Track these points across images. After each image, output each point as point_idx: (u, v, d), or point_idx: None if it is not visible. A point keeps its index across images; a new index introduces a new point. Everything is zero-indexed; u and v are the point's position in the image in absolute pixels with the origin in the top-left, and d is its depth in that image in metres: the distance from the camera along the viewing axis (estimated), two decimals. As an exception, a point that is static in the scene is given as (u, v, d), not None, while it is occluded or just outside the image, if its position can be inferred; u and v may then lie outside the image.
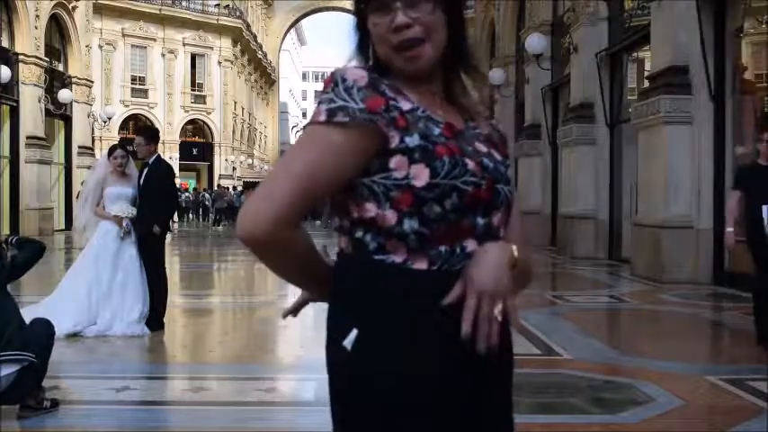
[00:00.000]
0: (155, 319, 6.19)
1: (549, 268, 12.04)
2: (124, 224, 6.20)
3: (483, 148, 1.26)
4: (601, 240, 13.00)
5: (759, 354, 5.35)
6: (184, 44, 42.48)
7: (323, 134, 1.16)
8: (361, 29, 1.28)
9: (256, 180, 43.95)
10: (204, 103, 43.83)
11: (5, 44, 18.81)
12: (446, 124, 1.23)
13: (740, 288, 8.45)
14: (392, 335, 1.16)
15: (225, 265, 14.25)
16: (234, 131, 46.19)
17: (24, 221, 18.43)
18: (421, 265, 1.18)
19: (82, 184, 18.81)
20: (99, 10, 32.66)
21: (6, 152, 18.86)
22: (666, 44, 9.76)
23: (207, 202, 34.48)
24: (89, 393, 4.36)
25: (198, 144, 44.14)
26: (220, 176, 42.68)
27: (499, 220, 1.25)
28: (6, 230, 16.83)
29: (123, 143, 6.74)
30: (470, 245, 1.20)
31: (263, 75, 56.54)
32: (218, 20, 43.40)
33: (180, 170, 40.31)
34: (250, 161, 51.31)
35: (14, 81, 18.52)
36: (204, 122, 44.12)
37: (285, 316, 1.41)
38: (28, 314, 4.15)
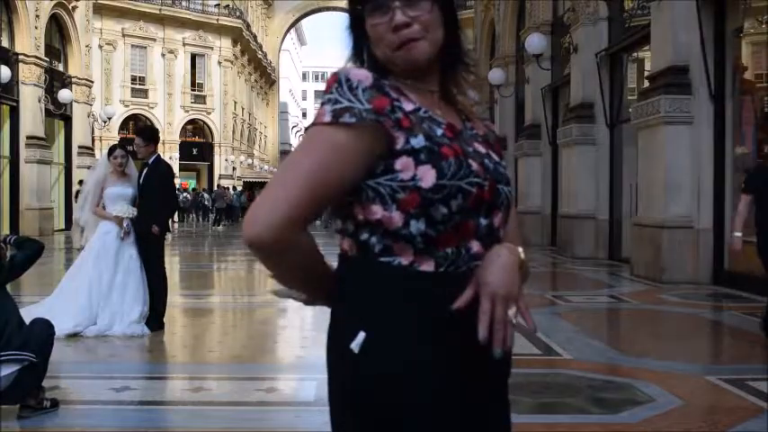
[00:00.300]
0: (155, 319, 6.19)
1: (549, 268, 12.04)
2: (125, 224, 6.21)
3: (482, 148, 1.27)
4: (601, 240, 13.00)
5: (759, 354, 5.35)
6: (184, 44, 42.49)
7: (328, 135, 1.15)
8: (357, 31, 1.28)
9: (256, 180, 44.05)
10: (204, 103, 43.84)
11: (5, 44, 18.81)
12: (447, 125, 1.23)
13: (740, 288, 8.47)
14: (401, 337, 1.16)
15: (225, 265, 14.25)
16: (234, 131, 46.19)
17: (24, 221, 18.43)
18: (428, 267, 1.17)
19: (80, 183, 18.84)
20: (99, 10, 32.68)
21: (6, 152, 18.86)
22: (666, 44, 9.76)
23: (206, 203, 34.46)
24: (89, 393, 4.36)
25: (198, 144, 44.14)
26: (220, 176, 42.68)
27: (500, 220, 1.25)
28: (6, 230, 16.82)
29: (123, 143, 6.75)
30: (475, 246, 1.20)
31: (263, 75, 56.54)
32: (218, 20, 43.41)
33: (180, 170, 40.38)
34: (250, 161, 51.31)
35: (14, 81, 18.53)
36: (204, 122, 44.12)
37: (274, 293, 1.36)
38: (28, 314, 4.16)
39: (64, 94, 21.09)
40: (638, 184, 10.77)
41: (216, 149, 44.08)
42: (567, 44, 14.36)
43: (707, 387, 4.38)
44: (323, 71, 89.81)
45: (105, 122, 29.05)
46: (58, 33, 22.35)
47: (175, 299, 7.76)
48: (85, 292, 6.04)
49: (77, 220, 6.70)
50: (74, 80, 22.72)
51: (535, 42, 14.64)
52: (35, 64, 19.41)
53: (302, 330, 6.56)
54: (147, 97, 41.53)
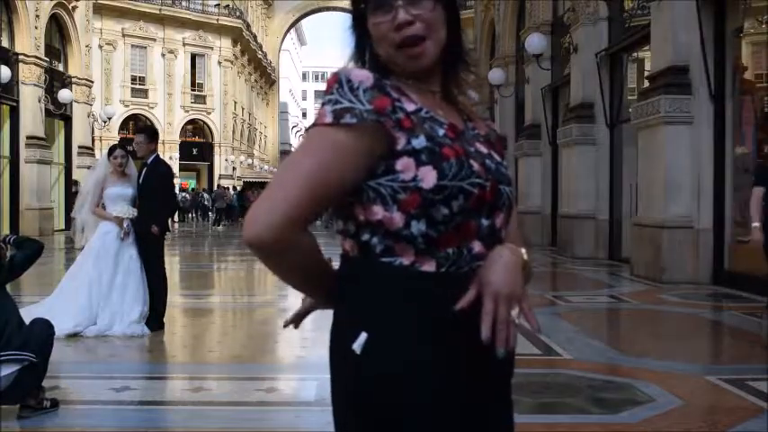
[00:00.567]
0: (155, 319, 6.19)
1: (549, 268, 12.04)
2: (125, 225, 6.20)
3: (483, 148, 1.27)
4: (601, 240, 13.00)
5: (759, 354, 5.35)
6: (184, 44, 42.49)
7: (329, 136, 1.14)
8: (359, 30, 1.28)
9: (256, 180, 44.03)
10: (204, 103, 43.85)
11: (5, 44, 18.81)
12: (449, 125, 1.23)
13: (740, 288, 8.46)
14: (401, 337, 1.16)
15: (225, 265, 14.25)
16: (234, 131, 46.20)
17: (24, 221, 18.43)
18: (429, 267, 1.17)
19: (75, 184, 18.82)
20: (99, 10, 32.68)
21: (6, 152, 18.86)
22: (666, 44, 9.75)
23: (206, 203, 34.46)
24: (89, 393, 4.36)
25: (198, 144, 44.15)
26: (220, 176, 42.68)
27: (501, 220, 1.25)
28: (6, 230, 16.82)
29: (123, 143, 6.75)
30: (476, 246, 1.20)
31: (263, 75, 56.54)
32: (218, 20, 43.42)
33: (180, 170, 40.39)
34: (250, 161, 51.31)
35: (14, 81, 18.53)
36: (204, 122, 44.12)
37: (286, 325, 1.40)
38: (28, 314, 4.16)
39: (64, 94, 21.09)
40: (638, 184, 10.77)
41: (216, 149, 44.09)
42: (567, 44, 14.35)
43: (707, 387, 4.37)
44: (323, 71, 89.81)
45: (105, 122, 29.06)
46: (58, 33, 22.34)
47: (175, 299, 7.76)
48: (85, 292, 6.04)
49: (78, 220, 6.69)
50: (74, 80, 22.72)
51: (535, 42, 14.63)
52: (35, 64, 19.40)
53: (302, 330, 6.53)
54: (147, 97, 41.53)
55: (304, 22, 66.27)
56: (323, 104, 1.18)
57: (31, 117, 19.32)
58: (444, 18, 1.25)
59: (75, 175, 21.57)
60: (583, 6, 13.32)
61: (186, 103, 42.91)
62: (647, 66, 11.53)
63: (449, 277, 1.18)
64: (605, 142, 13.04)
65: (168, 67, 41.95)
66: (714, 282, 9.16)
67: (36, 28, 19.52)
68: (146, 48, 41.44)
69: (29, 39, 19.17)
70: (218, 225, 29.00)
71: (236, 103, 46.57)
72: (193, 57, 43.45)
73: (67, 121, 22.67)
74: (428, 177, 1.15)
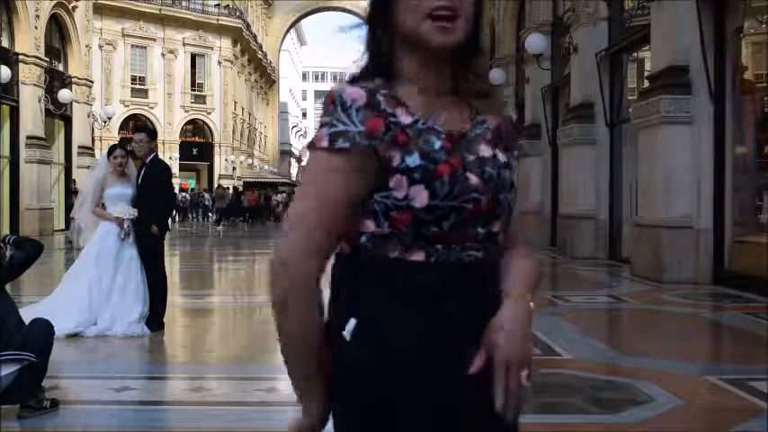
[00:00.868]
0: (155, 319, 6.19)
1: (549, 268, 12.04)
2: (125, 225, 6.19)
3: (487, 150, 1.25)
4: (601, 240, 13.00)
5: (759, 354, 5.34)
6: (184, 44, 42.51)
7: (326, 161, 1.18)
8: (379, 16, 1.26)
9: (256, 180, 44.06)
10: (204, 103, 43.87)
11: (5, 44, 18.80)
12: (448, 135, 1.22)
13: (740, 288, 8.46)
14: (389, 323, 1.18)
15: (225, 266, 14.25)
16: (234, 131, 46.21)
17: (24, 221, 18.42)
18: (418, 257, 1.19)
19: (74, 183, 18.75)
20: (99, 10, 32.67)
21: (6, 152, 18.85)
22: (666, 44, 9.75)
23: (207, 203, 34.47)
24: (89, 393, 4.36)
25: (198, 144, 44.17)
26: (220, 176, 42.70)
27: (500, 226, 1.26)
28: (6, 230, 16.82)
29: (123, 143, 6.74)
30: (472, 245, 1.22)
31: (263, 75, 56.55)
32: (218, 20, 43.44)
33: (180, 170, 40.44)
34: (250, 161, 51.31)
35: (14, 81, 18.51)
36: (204, 122, 44.14)
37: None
38: (28, 314, 4.15)
39: (64, 94, 21.08)
40: (638, 184, 10.77)
41: (216, 149, 44.11)
42: (567, 44, 14.35)
43: (707, 387, 4.37)
44: (323, 71, 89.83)
45: (105, 122, 29.05)
46: (58, 33, 22.33)
47: (175, 299, 7.76)
48: (86, 292, 6.04)
49: (76, 220, 6.69)
50: (74, 80, 22.71)
51: (535, 42, 14.63)
52: (35, 64, 19.39)
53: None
54: (147, 97, 41.55)
55: (304, 22, 66.31)
56: (321, 125, 1.20)
57: (31, 117, 19.31)
58: (473, 10, 1.24)
59: (75, 175, 21.57)
60: (583, 6, 13.32)
61: (186, 103, 42.93)
62: (647, 66, 11.53)
63: (438, 266, 1.19)
64: (605, 142, 13.04)
65: (168, 67, 41.97)
66: (714, 282, 9.15)
67: (36, 28, 19.52)
68: (146, 48, 41.46)
69: (29, 39, 19.17)
70: (219, 225, 29.01)
71: (236, 103, 46.58)
72: (193, 57, 43.48)
73: (67, 121, 22.66)
74: (420, 197, 1.17)
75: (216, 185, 38.29)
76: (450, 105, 1.27)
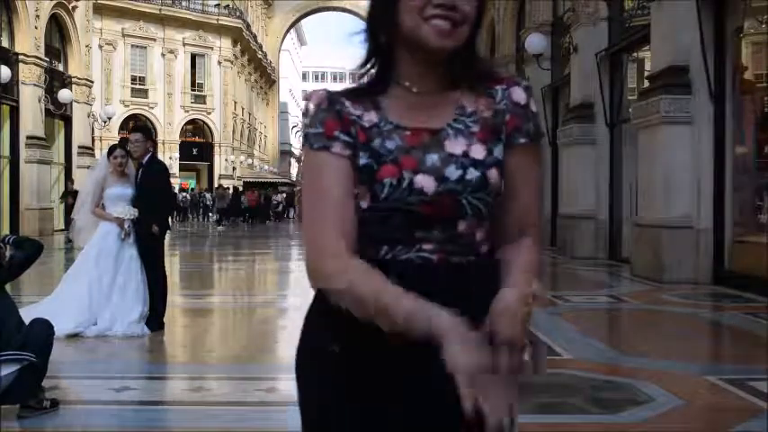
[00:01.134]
0: (155, 319, 6.19)
1: (549, 268, 12.03)
2: (126, 226, 6.19)
3: (459, 147, 1.21)
4: (601, 240, 13.00)
5: (759, 354, 5.34)
6: (184, 44, 42.51)
7: (309, 159, 1.23)
8: (383, 15, 1.25)
9: (256, 180, 44.07)
10: (204, 103, 43.86)
11: (5, 44, 18.80)
12: (414, 132, 1.22)
13: (740, 288, 8.46)
14: (318, 312, 1.26)
15: (225, 266, 14.26)
16: (234, 131, 46.21)
17: (24, 221, 18.42)
18: (368, 256, 1.19)
19: (68, 184, 18.67)
20: (99, 10, 32.67)
21: (6, 152, 18.85)
22: (666, 44, 9.75)
23: (208, 203, 34.47)
24: (89, 393, 4.36)
25: (198, 144, 44.17)
26: (220, 176, 42.69)
27: (470, 226, 1.21)
28: (6, 230, 16.82)
29: (123, 143, 6.73)
30: (426, 246, 1.20)
31: (263, 75, 56.55)
32: (218, 20, 43.43)
33: (180, 170, 40.44)
34: (250, 161, 51.32)
35: (14, 81, 18.51)
36: (204, 122, 44.14)
37: None
38: (28, 314, 4.15)
39: (64, 94, 21.08)
40: (638, 184, 10.77)
41: (216, 149, 44.11)
42: (567, 44, 14.35)
43: (707, 387, 4.37)
44: (323, 71, 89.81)
45: (105, 122, 29.04)
46: (58, 33, 22.33)
47: (175, 299, 7.76)
48: (86, 293, 6.03)
49: (75, 221, 6.68)
50: (74, 80, 22.70)
51: (535, 42, 14.63)
52: (35, 64, 19.39)
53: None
54: (147, 97, 41.55)
55: (304, 22, 66.30)
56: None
57: (31, 117, 19.31)
58: (476, 14, 1.23)
59: (76, 174, 21.56)
60: (583, 6, 13.32)
61: (186, 103, 42.93)
62: (647, 66, 11.53)
63: (382, 266, 1.18)
64: (605, 142, 13.04)
65: (168, 67, 41.97)
66: (714, 282, 9.15)
67: (36, 28, 19.51)
68: (146, 48, 41.46)
69: (29, 39, 19.17)
70: (220, 225, 29.01)
71: (236, 103, 46.58)
72: (193, 57, 43.47)
73: (67, 121, 22.66)
74: (364, 197, 1.19)
75: (216, 185, 38.31)
76: (436, 103, 1.25)
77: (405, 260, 1.19)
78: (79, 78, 23.01)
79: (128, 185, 6.34)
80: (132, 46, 41.04)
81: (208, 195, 35.10)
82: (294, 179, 55.55)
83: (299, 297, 7.78)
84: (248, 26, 47.47)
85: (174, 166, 37.34)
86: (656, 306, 7.78)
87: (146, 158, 6.39)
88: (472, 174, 1.20)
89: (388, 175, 1.18)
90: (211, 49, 43.81)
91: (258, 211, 33.26)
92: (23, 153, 18.93)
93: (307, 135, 1.22)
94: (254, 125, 54.08)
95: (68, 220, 16.46)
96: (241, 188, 35.90)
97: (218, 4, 43.82)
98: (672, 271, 9.29)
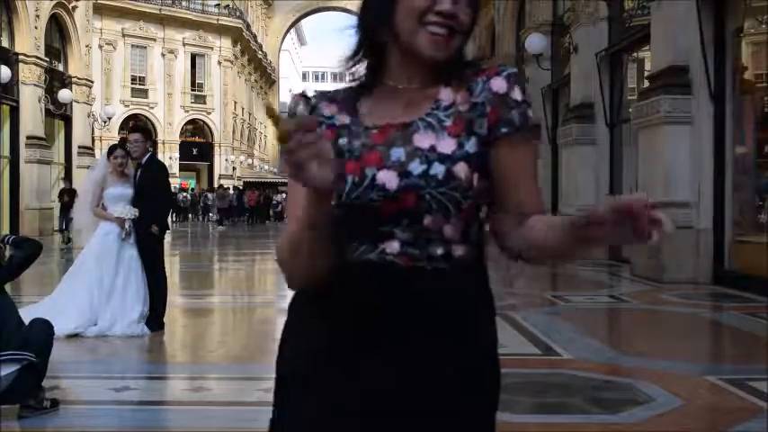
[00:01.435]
0: (155, 319, 6.18)
1: (549, 268, 12.02)
2: (126, 226, 6.18)
3: (427, 143, 1.19)
4: (600, 240, 12.98)
5: (759, 354, 5.34)
6: (184, 44, 42.50)
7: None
8: (380, 12, 1.24)
9: (256, 180, 44.05)
10: (204, 103, 43.85)
11: (5, 44, 18.80)
12: (381, 129, 1.22)
13: (740, 288, 8.46)
14: (293, 312, 1.32)
15: (225, 266, 14.26)
16: (234, 131, 46.20)
17: (24, 221, 18.42)
18: None
19: (64, 183, 18.65)
20: (99, 10, 32.65)
21: (6, 152, 18.85)
22: (666, 44, 9.75)
23: (209, 203, 34.50)
24: (89, 393, 4.36)
25: (198, 144, 44.16)
26: (220, 176, 42.68)
27: (435, 222, 1.18)
28: (6, 230, 16.82)
29: (123, 143, 6.73)
30: (393, 246, 1.19)
31: (263, 75, 56.54)
32: (218, 20, 43.42)
33: (180, 170, 40.42)
34: (250, 161, 51.31)
35: (14, 81, 18.51)
36: (204, 122, 44.12)
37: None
38: (28, 314, 4.15)
39: (64, 94, 21.08)
40: (638, 184, 10.76)
41: (216, 149, 44.10)
42: (567, 44, 14.35)
43: (707, 387, 4.37)
44: (323, 71, 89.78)
45: (105, 122, 29.05)
46: (57, 33, 22.33)
47: (175, 299, 7.75)
48: (86, 293, 6.02)
49: (75, 221, 6.68)
50: (74, 80, 22.70)
51: (535, 42, 14.63)
52: (35, 64, 19.39)
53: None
54: (147, 97, 41.53)
55: (304, 22, 66.30)
56: None
57: (31, 117, 19.31)
58: (470, 24, 1.24)
59: (76, 174, 21.55)
60: (583, 6, 13.32)
61: (186, 103, 42.91)
62: (647, 66, 11.53)
63: (349, 264, 1.19)
64: (605, 142, 13.04)
65: (168, 67, 41.95)
66: (714, 282, 9.15)
67: (36, 28, 19.51)
68: (146, 48, 41.45)
69: (29, 39, 19.16)
70: (220, 225, 29.03)
71: (236, 103, 46.57)
72: (193, 57, 43.46)
73: (67, 121, 22.66)
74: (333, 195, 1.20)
75: (217, 185, 38.32)
76: (416, 98, 1.24)
77: (367, 261, 1.19)
78: (79, 78, 23.01)
79: (127, 185, 6.33)
80: (132, 46, 41.03)
81: (210, 195, 35.13)
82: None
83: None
84: (248, 26, 47.46)
85: (174, 166, 37.35)
86: (656, 306, 7.78)
87: (145, 158, 6.39)
88: (437, 168, 1.17)
89: (350, 172, 1.18)
90: (211, 49, 43.80)
91: (258, 210, 33.30)
92: (23, 153, 18.93)
93: None
94: (254, 125, 54.07)
95: (64, 219, 16.52)
96: (241, 188, 35.92)
97: (218, 4, 43.81)
98: (672, 271, 9.29)
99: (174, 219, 30.37)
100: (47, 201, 19.83)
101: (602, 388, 4.28)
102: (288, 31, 60.27)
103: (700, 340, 6.35)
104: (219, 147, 44.08)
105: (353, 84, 1.30)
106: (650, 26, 10.37)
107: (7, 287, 3.98)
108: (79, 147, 22.97)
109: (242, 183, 41.06)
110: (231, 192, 32.89)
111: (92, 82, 25.00)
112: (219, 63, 44.18)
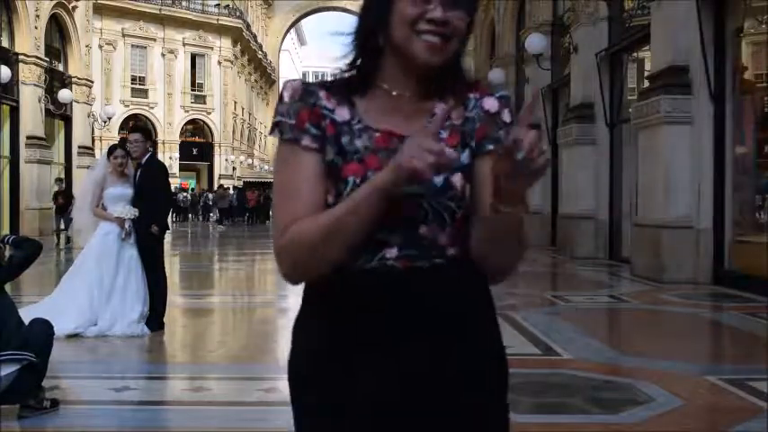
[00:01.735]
0: (155, 319, 6.18)
1: (549, 268, 12.03)
2: (126, 225, 6.18)
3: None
4: (601, 240, 13.00)
5: (759, 354, 5.34)
6: (184, 44, 42.50)
7: (279, 149, 1.26)
8: (380, 6, 1.24)
9: (256, 180, 44.04)
10: (204, 103, 43.85)
11: (5, 44, 18.80)
12: (383, 134, 1.22)
13: (740, 288, 8.46)
14: (307, 317, 1.30)
15: (225, 265, 14.26)
16: (234, 131, 46.20)
17: (24, 221, 18.42)
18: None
19: (58, 185, 18.65)
20: (99, 10, 32.66)
21: (6, 152, 18.85)
22: (666, 44, 9.75)
23: (209, 203, 34.51)
24: (89, 393, 4.36)
25: (198, 144, 44.16)
26: (220, 176, 42.69)
27: (431, 230, 1.20)
28: (6, 230, 16.82)
29: (123, 143, 6.73)
30: (389, 252, 1.20)
31: (263, 75, 56.55)
32: (218, 20, 43.42)
33: (180, 170, 40.42)
34: (250, 161, 51.32)
35: (14, 81, 18.51)
36: (204, 122, 44.12)
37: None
38: (28, 314, 4.15)
39: (64, 94, 21.08)
40: (638, 184, 10.77)
41: (216, 149, 44.10)
42: (567, 44, 14.35)
43: (707, 387, 4.37)
44: (323, 71, 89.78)
45: (105, 122, 29.05)
46: (57, 33, 22.33)
47: (175, 299, 7.76)
48: (86, 293, 6.02)
49: (74, 221, 6.68)
50: (74, 80, 22.71)
51: (535, 42, 14.63)
52: (35, 64, 19.39)
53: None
54: (147, 97, 41.54)
55: (304, 22, 66.29)
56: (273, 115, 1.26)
57: (31, 117, 19.31)
58: (466, 30, 1.23)
59: (76, 174, 21.55)
60: (583, 6, 13.32)
61: (186, 103, 42.91)
62: (647, 66, 11.53)
63: (347, 275, 1.19)
64: (605, 142, 13.04)
65: (168, 67, 41.95)
66: (714, 282, 9.15)
67: (36, 28, 19.51)
68: (146, 48, 41.45)
69: (29, 39, 19.16)
70: (221, 225, 29.03)
71: (236, 103, 46.57)
72: (193, 57, 43.46)
73: (67, 121, 22.67)
74: (331, 192, 1.20)
75: (217, 185, 38.31)
76: (411, 109, 1.25)
77: (369, 270, 1.19)
78: (79, 78, 23.02)
79: (127, 185, 6.33)
80: (132, 46, 41.03)
81: (211, 195, 35.15)
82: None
83: (298, 297, 7.75)
84: (248, 26, 47.46)
85: (174, 166, 37.35)
86: (656, 306, 7.78)
87: (145, 158, 6.39)
88: (436, 178, 1.19)
89: (352, 173, 1.19)
90: (211, 49, 43.80)
91: (258, 210, 33.31)
92: (23, 153, 18.94)
93: (279, 123, 1.23)
94: (254, 125, 54.07)
95: (59, 221, 16.51)
96: (241, 188, 35.92)
97: (218, 4, 43.81)
98: (672, 271, 9.29)
99: (174, 219, 30.39)
100: (47, 201, 19.79)
101: (602, 388, 4.28)
102: (288, 31, 60.27)
103: (700, 340, 6.35)
104: (219, 147, 44.08)
105: (343, 77, 1.28)
106: (650, 26, 10.37)
107: (7, 287, 3.98)
108: (79, 147, 22.97)
109: (242, 183, 41.06)
110: (231, 192, 32.90)
111: (92, 82, 25.00)
112: (219, 63, 44.18)
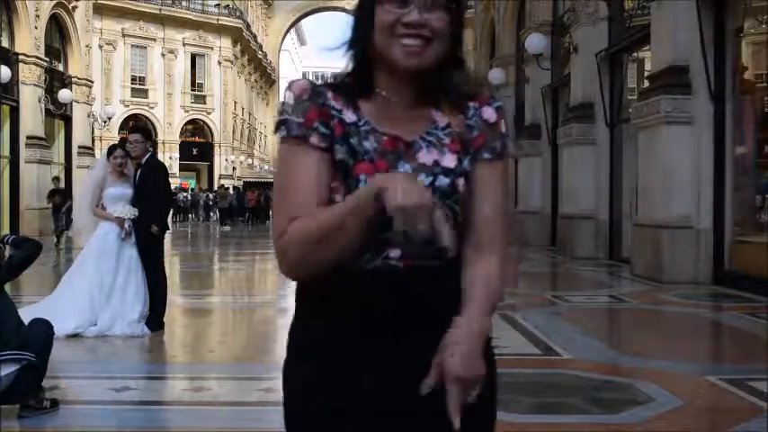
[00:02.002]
0: (155, 319, 6.18)
1: (549, 268, 12.04)
2: (126, 225, 6.18)
3: (430, 159, 1.24)
4: (601, 240, 13.00)
5: (759, 354, 5.34)
6: (184, 44, 42.50)
7: (284, 147, 1.25)
8: (364, 17, 1.26)
9: (256, 180, 44.05)
10: (204, 103, 43.85)
11: (5, 44, 18.80)
12: (391, 139, 1.23)
13: (740, 288, 8.46)
14: (302, 322, 1.29)
15: (225, 265, 14.25)
16: (234, 131, 46.20)
17: (24, 221, 18.42)
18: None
19: (55, 184, 18.65)
20: (99, 10, 32.66)
21: (6, 152, 18.85)
22: (666, 44, 9.75)
23: (209, 202, 34.50)
24: (89, 393, 4.36)
25: (198, 144, 44.16)
26: (220, 176, 42.70)
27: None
28: (6, 230, 16.82)
29: (123, 143, 6.73)
30: (393, 252, 1.20)
31: (263, 75, 56.54)
32: (218, 20, 43.42)
33: (180, 170, 40.42)
34: (250, 161, 51.31)
35: (14, 81, 18.51)
36: (204, 122, 44.12)
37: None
38: (28, 314, 4.15)
39: (64, 94, 21.09)
40: (637, 183, 10.77)
41: (216, 149, 44.10)
42: (566, 44, 14.35)
43: (707, 387, 4.37)
44: (323, 71, 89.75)
45: (105, 122, 29.06)
46: (57, 33, 22.33)
47: (175, 299, 7.76)
48: (86, 293, 6.02)
49: (75, 221, 6.68)
50: (74, 80, 22.71)
51: (535, 42, 14.63)
52: (35, 64, 19.39)
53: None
54: (147, 97, 41.54)
55: (304, 22, 66.27)
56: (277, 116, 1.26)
57: (31, 117, 19.31)
58: (449, 31, 1.23)
59: (76, 174, 21.54)
60: (583, 6, 13.32)
61: (186, 103, 42.91)
62: (647, 66, 11.53)
63: (350, 273, 1.19)
64: (605, 142, 13.04)
65: (168, 67, 41.95)
66: (714, 282, 9.15)
67: (36, 28, 19.51)
68: (146, 48, 41.45)
69: (29, 39, 19.17)
70: (224, 225, 29.02)
71: (236, 103, 46.57)
72: (193, 57, 43.46)
73: (67, 121, 22.67)
74: (339, 191, 1.21)
75: (217, 186, 38.30)
76: (411, 116, 1.27)
77: (372, 269, 1.20)
78: (79, 78, 23.02)
79: (127, 185, 6.33)
80: (132, 46, 41.03)
81: (211, 196, 35.16)
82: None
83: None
84: (248, 26, 47.46)
85: (174, 166, 37.35)
86: (656, 306, 7.78)
87: (145, 158, 6.39)
88: (442, 181, 1.23)
89: (364, 172, 1.20)
90: (211, 49, 43.80)
91: (258, 210, 33.32)
92: (23, 153, 18.94)
93: (286, 122, 1.23)
94: (254, 125, 54.08)
95: (55, 220, 16.49)
96: (241, 188, 35.92)
97: (218, 4, 43.81)
98: (672, 271, 9.29)
99: (175, 219, 30.39)
100: (47, 201, 19.82)
101: (602, 388, 4.28)
102: (288, 31, 60.25)
103: (700, 340, 6.35)
104: (219, 147, 44.08)
105: (347, 81, 1.29)
106: (650, 26, 10.37)
107: (7, 287, 3.99)
108: (79, 147, 22.97)
109: (242, 183, 41.06)
110: (231, 192, 32.91)
111: (92, 82, 25.00)
112: (219, 63, 44.18)
